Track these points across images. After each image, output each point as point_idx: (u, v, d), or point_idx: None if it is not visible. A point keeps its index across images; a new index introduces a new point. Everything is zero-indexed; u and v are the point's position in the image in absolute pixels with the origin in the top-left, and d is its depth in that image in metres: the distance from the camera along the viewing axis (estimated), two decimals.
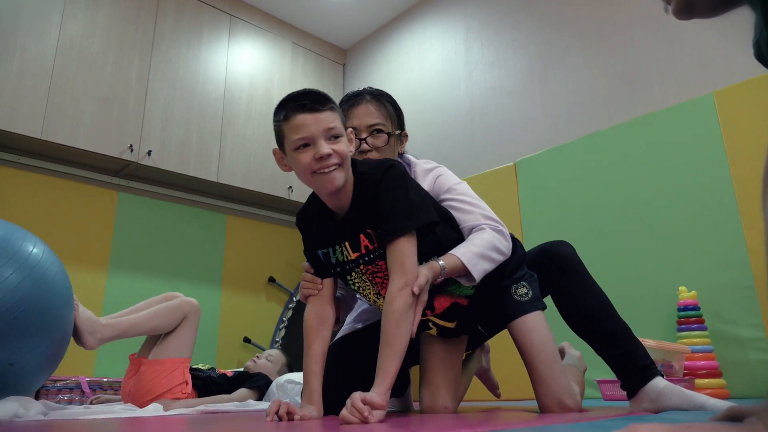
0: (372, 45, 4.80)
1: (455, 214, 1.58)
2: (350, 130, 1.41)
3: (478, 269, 1.40)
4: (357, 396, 1.13)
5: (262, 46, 4.40)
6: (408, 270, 1.27)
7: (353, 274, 1.47)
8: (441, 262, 1.37)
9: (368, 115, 1.72)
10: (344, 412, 1.12)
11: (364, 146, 1.70)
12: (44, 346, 1.67)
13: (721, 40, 2.68)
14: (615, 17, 3.14)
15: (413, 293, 1.26)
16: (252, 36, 4.36)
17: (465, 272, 1.41)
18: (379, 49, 4.72)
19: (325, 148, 1.30)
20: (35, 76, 3.20)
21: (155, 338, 2.27)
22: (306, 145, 1.31)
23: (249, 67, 4.26)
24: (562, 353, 1.98)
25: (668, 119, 2.60)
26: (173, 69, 3.81)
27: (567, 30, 3.37)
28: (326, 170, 1.31)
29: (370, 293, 1.50)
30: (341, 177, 1.33)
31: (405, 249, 1.29)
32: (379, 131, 1.71)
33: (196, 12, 4.05)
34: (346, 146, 1.34)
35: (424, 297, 1.30)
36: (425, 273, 1.30)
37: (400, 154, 1.81)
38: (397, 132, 1.76)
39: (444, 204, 1.61)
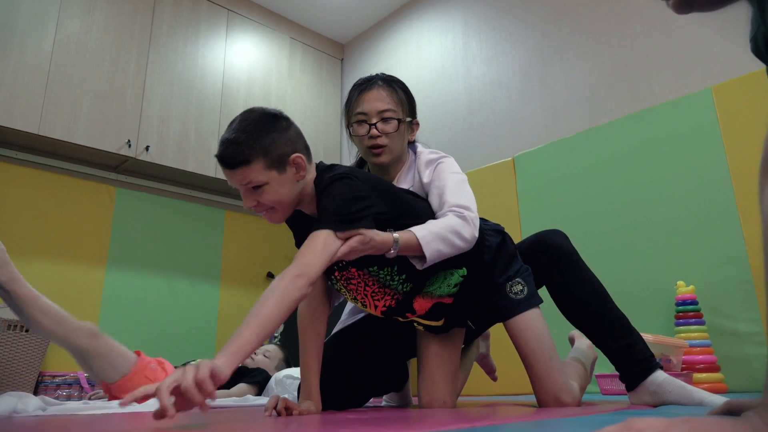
0: (370, 40, 4.78)
1: (433, 201, 1.55)
2: (296, 155, 1.33)
3: (432, 248, 1.35)
4: (193, 371, 0.90)
5: (259, 41, 4.38)
6: (303, 260, 1.18)
7: (332, 278, 1.47)
8: (395, 235, 1.32)
9: (379, 100, 1.68)
10: (187, 384, 0.88)
11: (374, 132, 1.66)
12: None
13: (719, 34, 2.67)
14: (613, 12, 3.13)
15: (307, 291, 1.16)
16: (250, 31, 4.34)
17: (419, 250, 1.35)
18: (378, 44, 4.70)
19: (247, 202, 1.31)
20: (32, 72, 3.18)
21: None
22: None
23: (247, 63, 4.24)
24: (572, 342, 1.97)
25: (666, 114, 2.60)
26: (171, 64, 3.80)
27: (565, 25, 3.36)
28: (260, 215, 1.35)
29: (348, 297, 1.50)
30: (278, 217, 1.35)
31: (313, 241, 1.22)
32: (390, 117, 1.67)
33: (193, 7, 4.03)
34: (274, 194, 1.30)
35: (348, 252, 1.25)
36: (354, 241, 1.25)
37: (411, 142, 1.78)
38: (408, 119, 1.73)
39: (430, 192, 1.59)
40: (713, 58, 2.68)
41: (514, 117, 3.52)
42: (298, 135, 1.37)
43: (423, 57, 4.24)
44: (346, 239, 1.24)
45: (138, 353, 2.00)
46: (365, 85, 1.72)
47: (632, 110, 2.85)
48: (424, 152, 1.71)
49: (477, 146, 3.67)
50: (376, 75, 1.75)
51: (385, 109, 1.67)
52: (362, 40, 4.86)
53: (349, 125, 1.74)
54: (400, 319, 1.52)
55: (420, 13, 4.39)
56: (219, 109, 3.97)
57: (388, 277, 1.42)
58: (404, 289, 1.44)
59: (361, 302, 1.49)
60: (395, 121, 1.68)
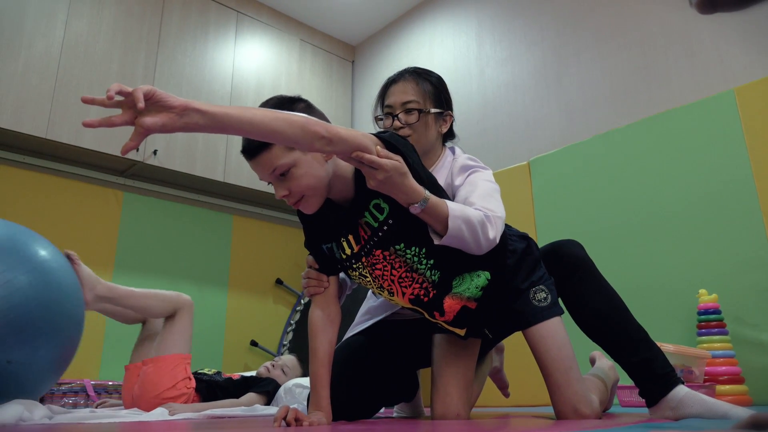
0: (381, 41, 4.75)
1: (458, 201, 1.51)
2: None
3: (456, 225, 1.30)
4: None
5: (269, 43, 4.36)
6: (330, 125, 1.18)
7: (356, 266, 1.42)
8: (428, 193, 1.29)
9: (403, 92, 1.72)
10: None
11: (397, 123, 1.70)
12: (51, 347, 1.65)
13: (742, 34, 2.61)
14: (631, 11, 3.08)
15: (325, 135, 1.14)
16: (259, 33, 4.32)
17: (443, 221, 1.30)
18: (389, 46, 4.67)
19: (278, 191, 1.30)
20: (40, 75, 3.17)
21: (148, 342, 2.29)
22: (270, 182, 1.32)
23: (256, 65, 4.22)
24: (592, 363, 1.94)
25: (687, 116, 2.54)
26: (179, 67, 3.78)
27: (581, 25, 3.31)
28: (293, 205, 1.32)
29: (373, 287, 1.46)
30: (312, 204, 1.33)
31: (352, 129, 1.24)
32: (412, 108, 1.70)
33: (202, 9, 4.01)
34: (303, 177, 1.27)
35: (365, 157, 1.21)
36: (390, 162, 1.22)
37: (444, 136, 1.79)
38: (434, 111, 1.73)
39: (458, 194, 1.56)
40: (735, 59, 2.62)
41: (529, 120, 3.47)
42: (321, 114, 1.36)
43: (436, 59, 4.19)
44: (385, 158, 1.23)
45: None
46: (393, 78, 1.77)
47: (651, 113, 2.78)
48: (463, 156, 1.71)
49: (491, 150, 3.61)
50: (407, 68, 1.80)
51: (407, 100, 1.71)
52: (373, 42, 4.83)
53: (378, 118, 1.78)
54: (426, 315, 1.47)
55: (433, 14, 4.36)
56: None
57: (416, 259, 1.37)
58: (432, 277, 1.39)
59: (387, 290, 1.44)
60: (416, 112, 1.70)
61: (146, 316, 2.29)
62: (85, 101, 0.98)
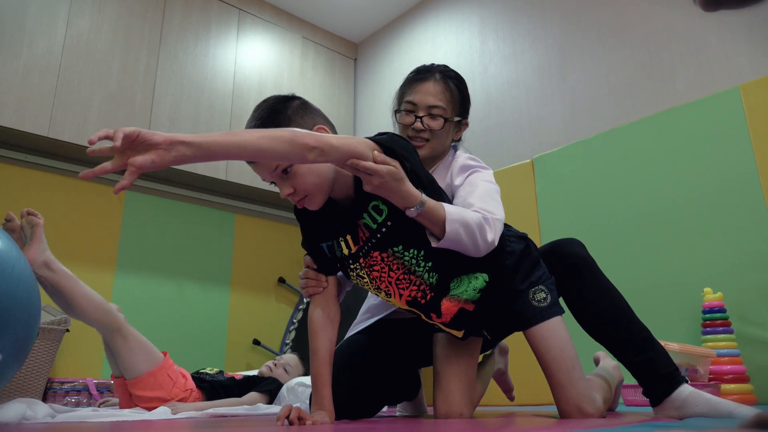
0: (384, 39, 4.74)
1: (457, 203, 1.50)
2: (318, 126, 1.32)
3: (454, 228, 1.28)
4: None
5: (271, 40, 4.35)
6: (323, 135, 1.16)
7: (354, 267, 1.41)
8: (425, 197, 1.28)
9: (431, 94, 1.68)
10: None
11: (418, 125, 1.66)
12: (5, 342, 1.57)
13: (747, 31, 2.59)
14: (635, 8, 3.06)
15: (316, 145, 1.13)
16: (261, 30, 4.31)
17: (440, 224, 1.29)
18: (392, 44, 4.65)
19: (283, 189, 1.28)
20: (42, 73, 3.16)
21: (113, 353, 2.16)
22: (273, 182, 1.31)
23: (258, 63, 4.21)
24: (597, 363, 1.93)
25: (692, 114, 2.52)
26: (181, 64, 3.77)
27: (585, 21, 3.29)
28: (297, 203, 1.32)
29: (370, 288, 1.45)
30: (317, 201, 1.31)
31: (346, 136, 1.22)
32: (437, 115, 1.67)
33: (204, 6, 4.00)
34: (306, 174, 1.26)
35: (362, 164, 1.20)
36: (386, 168, 1.21)
37: (456, 141, 1.77)
38: (457, 119, 1.71)
39: (457, 194, 1.55)
40: (741, 56, 2.60)
41: (532, 117, 3.46)
42: (317, 110, 1.37)
43: (439, 56, 4.17)
44: (382, 163, 1.22)
45: (165, 353, 2.20)
46: (423, 74, 1.72)
47: (656, 110, 2.77)
48: (463, 156, 1.69)
49: (494, 147, 3.60)
50: (437, 66, 1.75)
51: (434, 105, 1.67)
52: (376, 39, 4.81)
53: (397, 110, 1.74)
54: (423, 317, 1.47)
55: (435, 12, 4.34)
56: (230, 110, 3.94)
57: (414, 261, 1.36)
58: (430, 280, 1.38)
59: (384, 291, 1.43)
60: (441, 119, 1.67)
61: (75, 309, 2.09)
62: (91, 143, 1.01)
